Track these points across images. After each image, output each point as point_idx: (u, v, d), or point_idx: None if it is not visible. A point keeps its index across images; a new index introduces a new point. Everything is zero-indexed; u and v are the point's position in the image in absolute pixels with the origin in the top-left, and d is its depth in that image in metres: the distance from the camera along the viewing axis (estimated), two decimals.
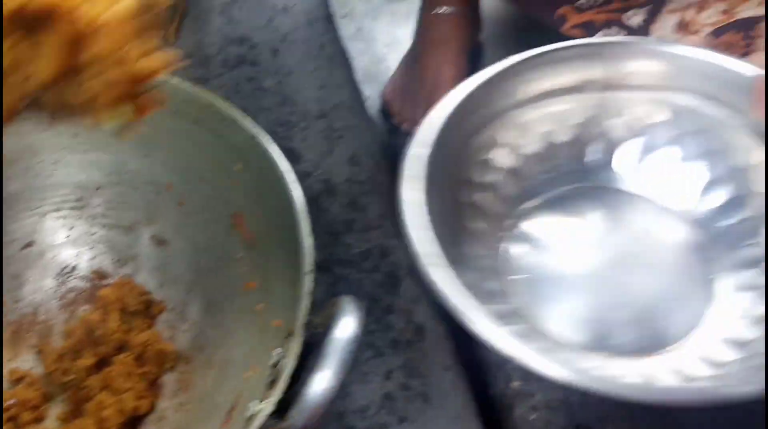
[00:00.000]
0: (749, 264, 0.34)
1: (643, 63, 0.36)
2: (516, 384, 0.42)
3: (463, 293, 0.28)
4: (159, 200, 0.45)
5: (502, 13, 0.77)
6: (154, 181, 0.45)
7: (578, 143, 0.37)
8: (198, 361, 0.41)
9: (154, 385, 0.41)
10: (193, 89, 0.42)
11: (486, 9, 0.76)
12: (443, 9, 0.74)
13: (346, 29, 0.84)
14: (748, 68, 0.35)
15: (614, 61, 0.36)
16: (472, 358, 0.43)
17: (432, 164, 0.32)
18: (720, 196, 0.36)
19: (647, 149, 0.37)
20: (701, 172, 0.37)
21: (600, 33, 0.59)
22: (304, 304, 0.34)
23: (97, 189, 0.46)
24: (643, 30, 0.58)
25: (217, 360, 0.40)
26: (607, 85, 0.36)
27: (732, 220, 0.35)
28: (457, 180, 0.36)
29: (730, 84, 0.35)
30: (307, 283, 0.34)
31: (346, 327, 0.29)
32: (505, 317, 0.33)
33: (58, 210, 0.46)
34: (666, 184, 0.37)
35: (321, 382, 0.27)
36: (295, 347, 0.32)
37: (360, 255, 0.45)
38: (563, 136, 0.37)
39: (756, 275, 0.33)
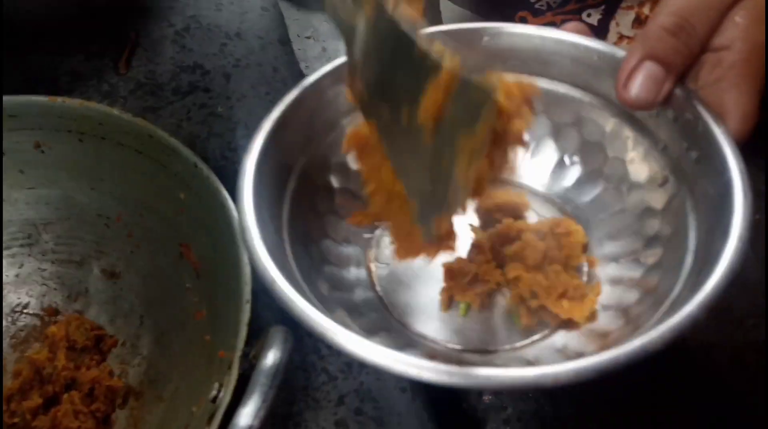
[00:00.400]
0: (618, 255, 0.34)
1: (474, 50, 0.36)
2: (487, 398, 0.42)
3: (270, 263, 0.28)
4: (108, 233, 0.45)
5: (462, 20, 0.77)
6: (103, 214, 0.45)
7: None
8: (149, 396, 0.40)
9: (104, 423, 0.40)
10: (133, 120, 0.41)
11: (446, 17, 0.76)
12: None
13: (311, 50, 0.84)
14: (589, 41, 0.34)
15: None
16: None
17: (277, 145, 0.32)
18: (575, 171, 0.36)
19: None
20: (552, 150, 0.37)
21: None
22: (242, 334, 0.33)
23: (47, 225, 0.46)
24: (602, 27, 0.58)
25: (167, 394, 0.39)
26: None
27: (592, 196, 0.35)
28: (323, 165, 0.36)
29: (571, 61, 0.34)
30: (246, 312, 0.34)
31: (271, 358, 0.28)
32: (358, 305, 0.33)
33: (7, 248, 0.46)
34: (524, 167, 0.37)
35: (245, 418, 0.26)
36: (231, 380, 0.31)
37: None
38: None
39: (623, 268, 0.33)
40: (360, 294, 0.34)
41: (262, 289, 0.35)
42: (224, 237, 0.38)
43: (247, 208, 0.30)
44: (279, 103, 0.34)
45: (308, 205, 0.35)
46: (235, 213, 0.38)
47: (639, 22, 0.57)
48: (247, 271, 0.35)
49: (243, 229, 0.29)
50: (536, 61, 0.35)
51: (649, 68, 0.30)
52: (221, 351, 0.36)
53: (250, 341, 0.33)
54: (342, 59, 0.35)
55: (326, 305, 0.32)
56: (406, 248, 0.33)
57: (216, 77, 0.54)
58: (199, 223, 0.40)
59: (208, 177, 0.39)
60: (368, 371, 0.40)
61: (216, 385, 0.33)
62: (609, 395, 0.42)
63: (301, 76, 0.58)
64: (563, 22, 0.60)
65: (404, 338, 0.33)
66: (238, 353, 0.32)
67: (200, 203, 0.40)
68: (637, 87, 0.30)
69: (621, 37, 0.57)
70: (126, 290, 0.44)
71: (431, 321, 0.34)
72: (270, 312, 0.39)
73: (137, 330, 0.43)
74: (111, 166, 0.43)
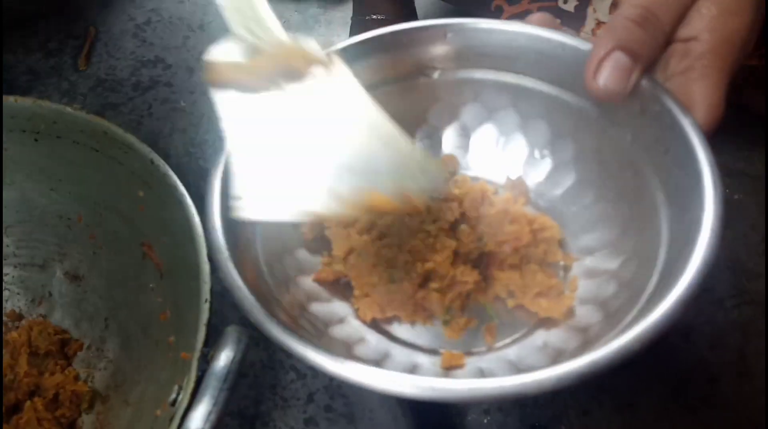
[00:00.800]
0: (592, 247, 0.33)
1: (438, 46, 0.35)
2: None
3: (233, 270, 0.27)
4: (70, 234, 0.44)
5: (437, 12, 0.76)
6: (63, 215, 0.44)
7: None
8: (115, 400, 0.39)
9: (70, 428, 0.39)
10: (86, 117, 0.40)
11: (421, 9, 0.75)
12: (376, 15, 0.73)
13: None
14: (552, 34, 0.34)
15: (410, 48, 0.35)
16: None
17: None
18: (546, 164, 0.35)
19: (464, 130, 0.36)
20: (522, 144, 0.36)
21: None
22: (200, 335, 0.32)
23: (7, 228, 0.44)
24: (579, 13, 0.57)
25: (132, 398, 0.39)
26: (409, 74, 0.35)
27: (563, 188, 0.35)
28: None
29: (537, 55, 0.34)
30: (204, 312, 0.33)
31: (223, 360, 0.27)
32: (336, 313, 0.33)
33: None
34: (496, 162, 0.36)
35: (195, 422, 0.25)
36: (190, 382, 0.30)
37: None
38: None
39: (598, 260, 0.32)
40: (337, 304, 0.33)
41: (226, 288, 0.34)
42: (183, 235, 0.36)
43: (216, 227, 0.29)
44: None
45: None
46: (193, 209, 0.36)
47: (616, 7, 0.56)
48: (205, 269, 0.34)
49: (214, 250, 0.28)
50: (501, 56, 0.35)
51: (617, 58, 0.30)
52: (183, 352, 0.35)
53: (211, 342, 0.32)
54: None
55: (303, 314, 0.31)
56: (373, 308, 0.32)
57: (179, 71, 0.53)
58: (159, 221, 0.39)
59: (165, 173, 0.38)
60: None
61: (176, 387, 0.32)
62: (587, 380, 0.41)
63: None
64: (540, 10, 0.59)
65: (384, 344, 0.32)
66: (197, 354, 0.31)
67: (159, 200, 0.39)
68: (606, 77, 0.30)
69: (599, 23, 0.56)
70: (90, 293, 0.43)
71: (411, 325, 0.33)
72: (234, 311, 0.39)
73: (102, 333, 0.42)
74: (68, 165, 0.42)
